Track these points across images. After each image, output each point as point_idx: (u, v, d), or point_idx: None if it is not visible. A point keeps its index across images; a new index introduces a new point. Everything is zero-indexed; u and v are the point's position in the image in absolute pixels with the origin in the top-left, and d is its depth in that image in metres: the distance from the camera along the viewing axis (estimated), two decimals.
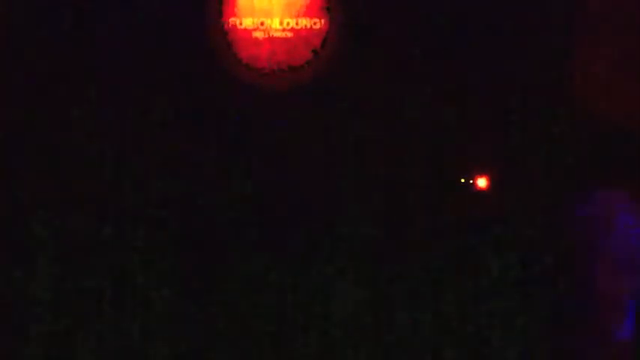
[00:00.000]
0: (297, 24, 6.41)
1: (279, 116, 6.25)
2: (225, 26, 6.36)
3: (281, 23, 6.42)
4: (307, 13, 6.42)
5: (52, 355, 5.68)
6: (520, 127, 5.95)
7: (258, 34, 6.40)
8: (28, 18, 6.00)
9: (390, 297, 5.80)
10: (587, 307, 5.62)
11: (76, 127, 5.96)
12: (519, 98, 5.96)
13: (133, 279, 5.80)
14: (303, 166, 6.16)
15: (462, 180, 6.10)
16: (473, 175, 6.09)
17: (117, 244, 5.83)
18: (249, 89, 6.30)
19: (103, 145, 5.96)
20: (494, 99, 6.01)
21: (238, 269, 5.85)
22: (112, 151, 5.96)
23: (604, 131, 5.76)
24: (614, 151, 5.75)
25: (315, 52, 6.36)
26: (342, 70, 6.24)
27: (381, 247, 5.86)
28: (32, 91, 5.96)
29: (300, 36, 6.39)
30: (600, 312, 5.59)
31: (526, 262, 5.77)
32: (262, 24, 6.41)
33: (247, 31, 6.40)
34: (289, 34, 6.41)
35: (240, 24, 6.40)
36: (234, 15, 6.40)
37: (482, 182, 6.09)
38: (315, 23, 6.41)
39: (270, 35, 6.40)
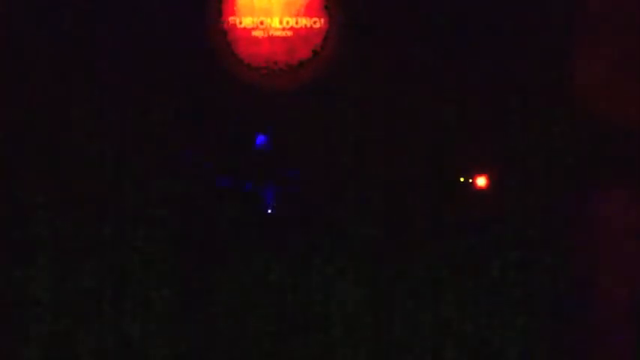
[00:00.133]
0: (296, 23, 6.41)
1: (279, 115, 6.25)
2: (225, 25, 6.35)
3: (281, 22, 6.42)
4: (307, 12, 6.41)
5: (52, 355, 5.68)
6: (520, 127, 5.95)
7: (258, 33, 6.40)
8: (28, 18, 5.99)
9: (390, 297, 5.80)
10: (588, 306, 5.62)
11: (76, 127, 5.95)
12: (519, 98, 5.95)
13: (132, 279, 5.80)
14: (302, 166, 6.16)
15: (462, 179, 6.10)
16: (472, 174, 6.09)
17: (117, 243, 5.83)
18: (248, 88, 6.29)
19: (102, 144, 5.96)
20: (494, 99, 6.00)
21: (238, 269, 5.85)
22: (112, 150, 5.95)
23: (604, 131, 5.76)
24: (614, 151, 5.75)
25: (314, 51, 6.36)
26: (341, 69, 6.23)
27: (381, 247, 5.86)
28: (32, 91, 5.95)
29: (299, 35, 6.39)
30: (600, 311, 5.60)
31: (526, 262, 5.77)
32: (262, 23, 6.40)
33: (247, 30, 6.39)
34: (289, 33, 6.40)
35: (240, 23, 6.39)
36: (234, 14, 6.40)
37: (481, 181, 6.09)
38: (314, 22, 6.40)
39: (270, 34, 6.40)
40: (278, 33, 6.40)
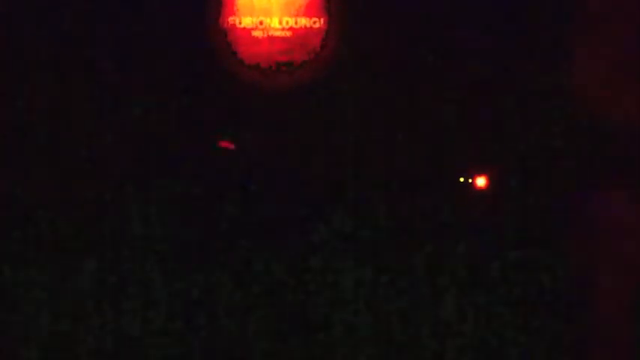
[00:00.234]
0: (296, 23, 6.41)
1: (279, 115, 6.25)
2: (225, 25, 6.35)
3: (280, 22, 6.42)
4: (307, 12, 6.41)
5: (52, 356, 5.68)
6: (520, 127, 5.95)
7: (258, 33, 6.40)
8: (28, 18, 5.99)
9: (390, 297, 5.80)
10: (588, 306, 5.63)
11: (76, 127, 5.95)
12: (519, 98, 5.96)
13: (133, 279, 5.80)
14: (302, 165, 6.16)
15: (461, 179, 6.10)
16: (472, 174, 6.09)
17: (117, 243, 5.83)
18: (248, 88, 6.29)
19: (102, 144, 5.96)
20: (494, 99, 6.01)
21: (238, 269, 5.85)
22: (112, 150, 5.95)
23: (604, 131, 5.76)
24: (614, 151, 5.75)
25: (314, 51, 6.36)
26: (341, 69, 6.23)
27: (381, 247, 5.86)
28: (32, 91, 5.95)
29: (299, 35, 6.39)
30: (600, 311, 5.60)
31: (526, 262, 5.77)
32: (261, 23, 6.40)
33: (246, 30, 6.39)
34: (288, 34, 6.40)
35: (240, 23, 6.39)
36: (234, 14, 6.40)
37: (481, 182, 6.10)
38: (314, 22, 6.40)
39: (270, 34, 6.40)
40: (277, 33, 6.40)
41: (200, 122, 6.15)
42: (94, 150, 5.95)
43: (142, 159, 5.98)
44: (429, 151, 6.04)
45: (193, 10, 6.23)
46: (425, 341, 5.72)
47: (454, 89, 6.04)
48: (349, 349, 5.74)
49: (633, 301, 5.56)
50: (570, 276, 5.67)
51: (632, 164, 5.75)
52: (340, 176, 6.06)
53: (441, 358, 5.67)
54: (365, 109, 6.14)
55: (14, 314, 5.69)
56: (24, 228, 5.82)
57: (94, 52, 6.03)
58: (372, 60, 6.17)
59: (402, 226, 5.92)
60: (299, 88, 6.29)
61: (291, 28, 6.40)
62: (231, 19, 6.38)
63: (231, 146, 6.15)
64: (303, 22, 6.41)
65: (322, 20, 6.39)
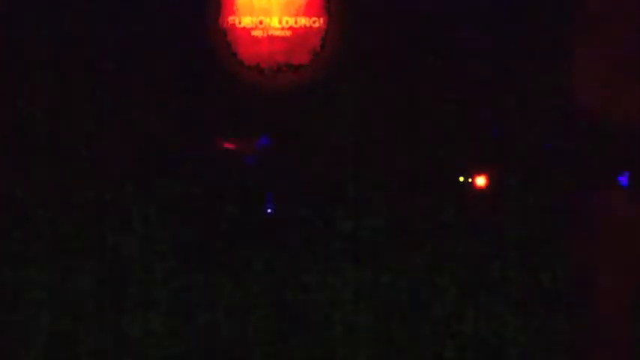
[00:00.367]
0: (296, 23, 6.41)
1: (279, 115, 6.25)
2: (224, 25, 6.35)
3: (280, 22, 6.41)
4: (306, 12, 6.41)
5: (52, 356, 5.67)
6: (520, 127, 5.95)
7: (257, 33, 6.40)
8: (28, 18, 5.98)
9: (390, 297, 5.81)
10: (588, 306, 5.63)
11: (76, 127, 5.95)
12: (519, 98, 5.96)
13: (133, 279, 5.80)
14: (302, 165, 6.16)
15: (461, 179, 6.11)
16: (472, 174, 6.10)
17: (117, 243, 5.83)
18: (247, 88, 6.29)
19: (102, 144, 5.96)
20: (494, 99, 6.01)
21: (238, 269, 5.85)
22: (112, 150, 5.95)
23: (604, 131, 5.76)
24: (614, 151, 5.75)
25: (314, 51, 6.35)
26: (341, 69, 6.23)
27: (381, 247, 5.86)
28: (32, 91, 5.95)
29: (299, 35, 6.39)
30: (600, 311, 5.60)
31: (526, 262, 5.77)
32: (261, 23, 6.40)
33: (246, 30, 6.39)
34: (288, 33, 6.40)
35: (239, 23, 6.39)
36: (233, 14, 6.39)
37: (481, 181, 6.10)
38: (314, 22, 6.40)
39: (269, 34, 6.40)
40: (277, 33, 6.40)
41: (200, 122, 6.15)
42: (94, 150, 5.95)
43: (142, 159, 5.98)
44: (429, 151, 6.04)
45: (193, 10, 6.23)
46: (425, 341, 5.72)
47: (454, 89, 6.03)
48: (349, 349, 5.74)
49: (633, 301, 5.56)
50: (570, 276, 5.67)
51: (632, 164, 5.75)
52: (340, 176, 6.06)
53: (440, 358, 5.66)
54: (365, 109, 6.13)
55: (14, 314, 5.69)
56: (24, 228, 5.82)
57: (94, 52, 6.03)
58: (372, 60, 6.17)
59: (402, 226, 5.92)
60: (299, 87, 6.29)
61: (290, 28, 6.40)
62: (230, 19, 6.38)
63: (234, 147, 6.15)
64: (303, 21, 6.40)
65: (322, 20, 6.39)
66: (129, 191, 5.87)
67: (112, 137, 5.97)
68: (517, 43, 5.99)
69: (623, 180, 5.66)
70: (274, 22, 6.40)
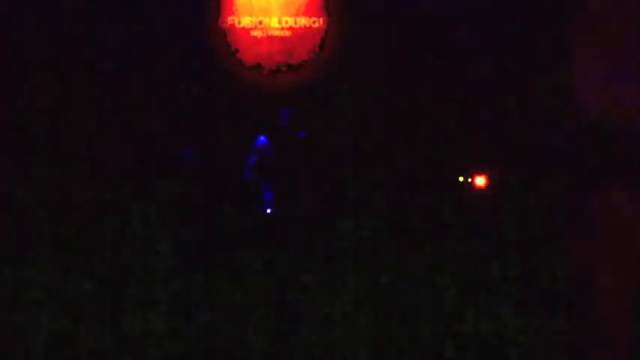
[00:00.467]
0: (295, 23, 6.41)
1: (278, 114, 6.25)
2: (224, 25, 6.35)
3: (279, 22, 6.42)
4: (306, 12, 6.42)
5: (52, 356, 5.67)
6: (520, 127, 5.96)
7: (257, 33, 6.40)
8: (28, 18, 5.98)
9: (390, 297, 5.80)
10: (588, 306, 5.63)
11: (76, 127, 5.95)
12: (519, 98, 5.96)
13: (133, 279, 5.79)
14: (301, 165, 6.16)
15: (461, 179, 6.11)
16: (472, 174, 6.10)
17: (117, 243, 5.83)
18: (247, 87, 6.29)
19: (102, 144, 5.96)
20: (494, 99, 6.01)
21: (238, 269, 5.85)
22: (112, 150, 5.95)
23: (604, 131, 5.77)
24: (614, 151, 5.75)
25: (313, 50, 6.36)
26: (340, 69, 6.23)
27: (381, 247, 5.86)
28: (32, 91, 5.95)
29: (298, 35, 6.39)
30: (600, 311, 5.60)
31: (526, 262, 5.77)
32: (261, 23, 6.40)
33: (246, 30, 6.39)
34: (287, 33, 6.40)
35: (239, 23, 6.39)
36: (233, 14, 6.40)
37: (480, 181, 6.10)
38: (313, 22, 6.41)
39: (269, 34, 6.40)
40: (277, 33, 6.40)
41: (200, 122, 6.15)
42: (94, 150, 5.95)
43: (142, 159, 5.98)
44: (429, 151, 6.05)
45: (193, 10, 6.23)
46: (425, 341, 5.72)
47: (454, 89, 6.04)
48: (349, 349, 5.74)
49: (633, 301, 5.56)
50: (570, 276, 5.67)
51: (632, 164, 5.75)
52: (340, 176, 6.06)
53: (440, 358, 5.66)
54: (365, 109, 6.14)
55: (14, 314, 5.68)
56: (24, 228, 5.82)
57: (94, 52, 6.03)
58: (372, 60, 6.17)
59: (402, 226, 5.92)
60: (298, 87, 6.29)
61: (290, 28, 6.40)
62: (230, 19, 6.39)
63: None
64: (303, 21, 6.41)
65: (322, 20, 6.40)
66: (129, 191, 5.87)
67: (112, 137, 5.97)
68: (517, 43, 6.00)
69: None
70: (274, 22, 6.40)
